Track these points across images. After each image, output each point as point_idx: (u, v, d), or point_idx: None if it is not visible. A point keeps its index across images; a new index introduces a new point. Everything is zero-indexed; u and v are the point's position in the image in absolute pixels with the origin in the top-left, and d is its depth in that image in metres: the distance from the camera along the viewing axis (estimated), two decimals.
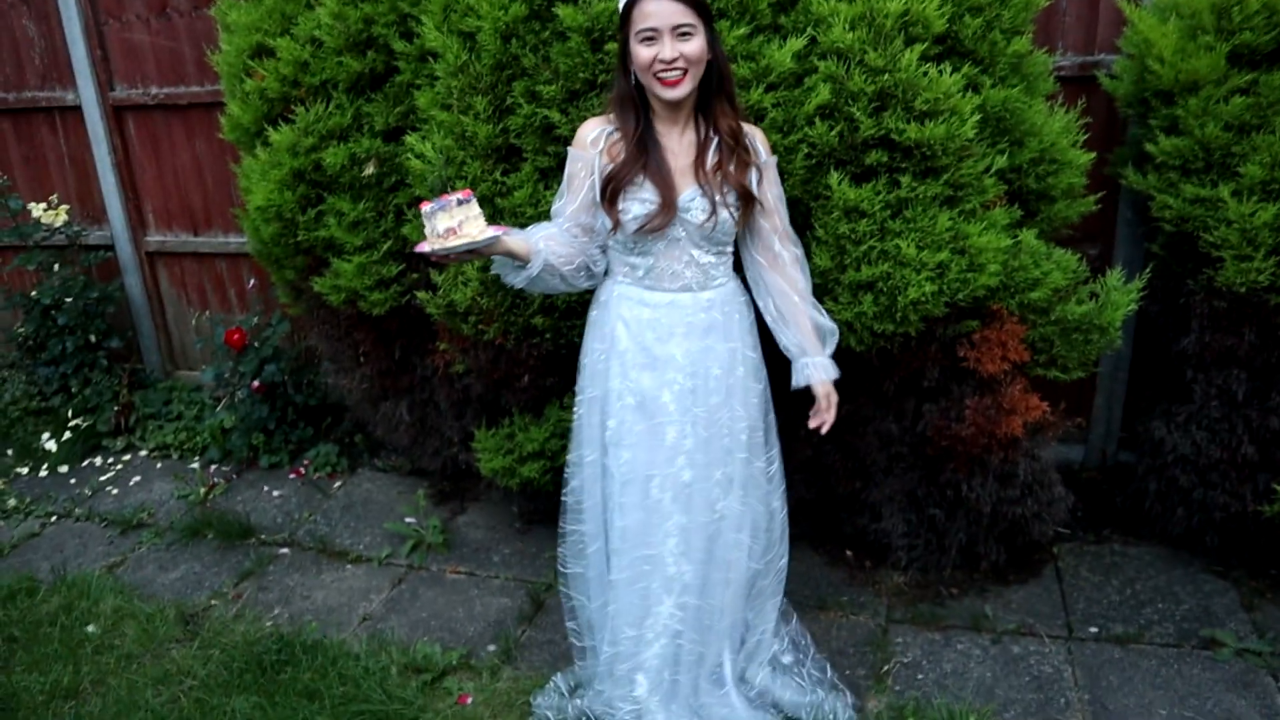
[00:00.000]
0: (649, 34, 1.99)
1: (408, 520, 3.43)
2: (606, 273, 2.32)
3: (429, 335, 3.14)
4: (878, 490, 2.88)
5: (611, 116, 2.17)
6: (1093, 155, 2.63)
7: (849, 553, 3.09)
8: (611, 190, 2.12)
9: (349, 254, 3.10)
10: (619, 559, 2.29)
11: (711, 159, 2.13)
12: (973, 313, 2.53)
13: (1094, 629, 2.74)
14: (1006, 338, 2.52)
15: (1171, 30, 2.57)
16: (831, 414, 2.30)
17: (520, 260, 2.14)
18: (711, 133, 2.13)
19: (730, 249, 2.25)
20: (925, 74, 2.31)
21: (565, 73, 2.51)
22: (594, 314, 2.32)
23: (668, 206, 2.10)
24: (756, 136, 2.21)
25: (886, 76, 2.32)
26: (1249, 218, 2.46)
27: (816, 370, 2.28)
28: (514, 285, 2.23)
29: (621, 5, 2.05)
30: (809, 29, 2.42)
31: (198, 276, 4.47)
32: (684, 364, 2.20)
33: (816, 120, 2.40)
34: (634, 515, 2.25)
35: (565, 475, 2.45)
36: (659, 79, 2.02)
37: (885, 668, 2.65)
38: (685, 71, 2.01)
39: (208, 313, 4.48)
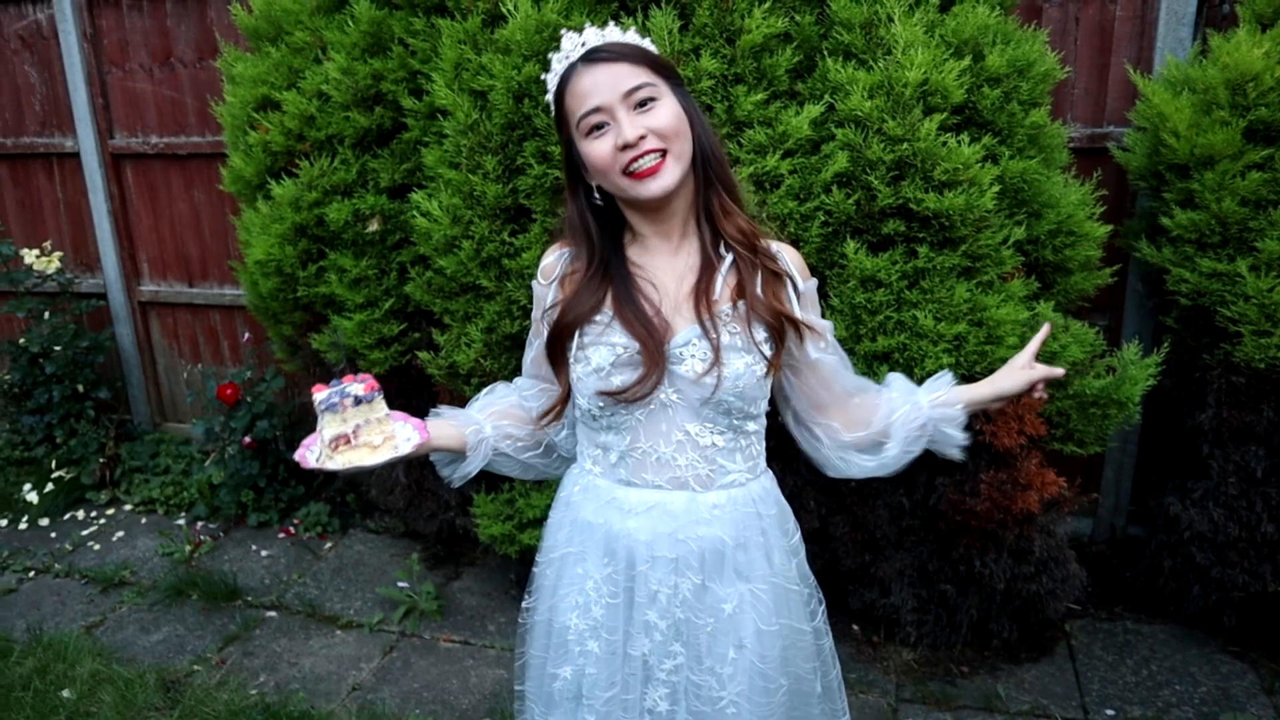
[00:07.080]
0: (596, 119, 1.40)
1: (400, 585, 3.32)
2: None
3: (429, 396, 3.06)
4: (887, 564, 2.80)
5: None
6: (1109, 228, 2.61)
7: (856, 627, 3.00)
8: (560, 332, 1.49)
9: (349, 311, 3.04)
10: None
11: (722, 284, 1.47)
12: None
13: (1110, 711, 2.65)
14: (1023, 411, 2.47)
15: (1185, 104, 2.56)
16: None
17: (455, 453, 1.59)
18: (723, 248, 1.49)
19: (754, 425, 1.54)
20: (944, 144, 2.29)
21: None
22: (554, 514, 1.68)
23: (653, 353, 1.43)
24: (787, 255, 1.54)
25: (905, 146, 2.29)
26: (1267, 293, 2.44)
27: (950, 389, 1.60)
28: (452, 483, 1.65)
29: (551, 96, 1.48)
30: (826, 96, 2.40)
31: (191, 328, 4.40)
32: (668, 609, 1.50)
33: (834, 188, 2.37)
34: None
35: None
36: (630, 174, 1.40)
37: None
38: (663, 153, 1.39)
39: (200, 365, 4.40)
